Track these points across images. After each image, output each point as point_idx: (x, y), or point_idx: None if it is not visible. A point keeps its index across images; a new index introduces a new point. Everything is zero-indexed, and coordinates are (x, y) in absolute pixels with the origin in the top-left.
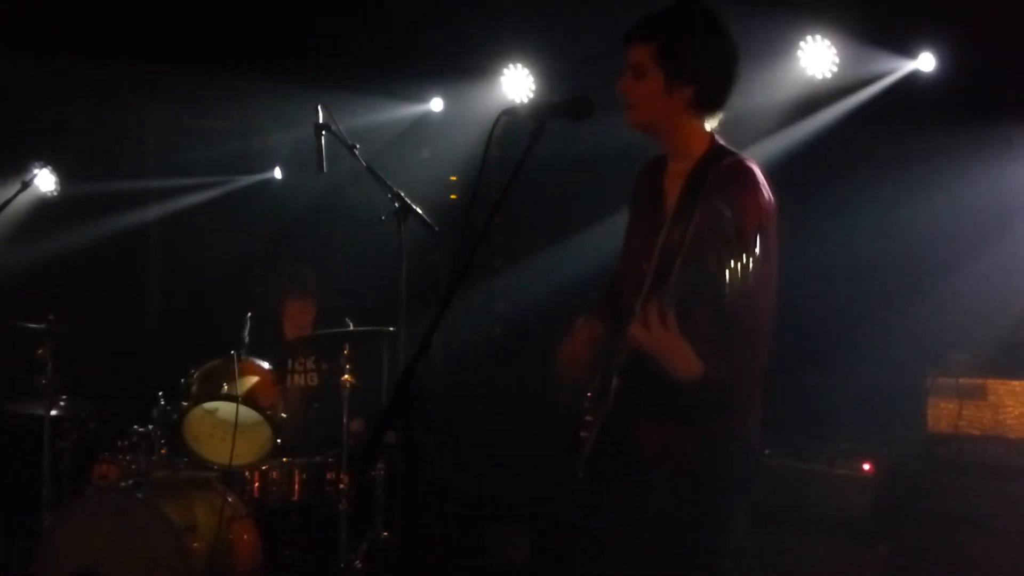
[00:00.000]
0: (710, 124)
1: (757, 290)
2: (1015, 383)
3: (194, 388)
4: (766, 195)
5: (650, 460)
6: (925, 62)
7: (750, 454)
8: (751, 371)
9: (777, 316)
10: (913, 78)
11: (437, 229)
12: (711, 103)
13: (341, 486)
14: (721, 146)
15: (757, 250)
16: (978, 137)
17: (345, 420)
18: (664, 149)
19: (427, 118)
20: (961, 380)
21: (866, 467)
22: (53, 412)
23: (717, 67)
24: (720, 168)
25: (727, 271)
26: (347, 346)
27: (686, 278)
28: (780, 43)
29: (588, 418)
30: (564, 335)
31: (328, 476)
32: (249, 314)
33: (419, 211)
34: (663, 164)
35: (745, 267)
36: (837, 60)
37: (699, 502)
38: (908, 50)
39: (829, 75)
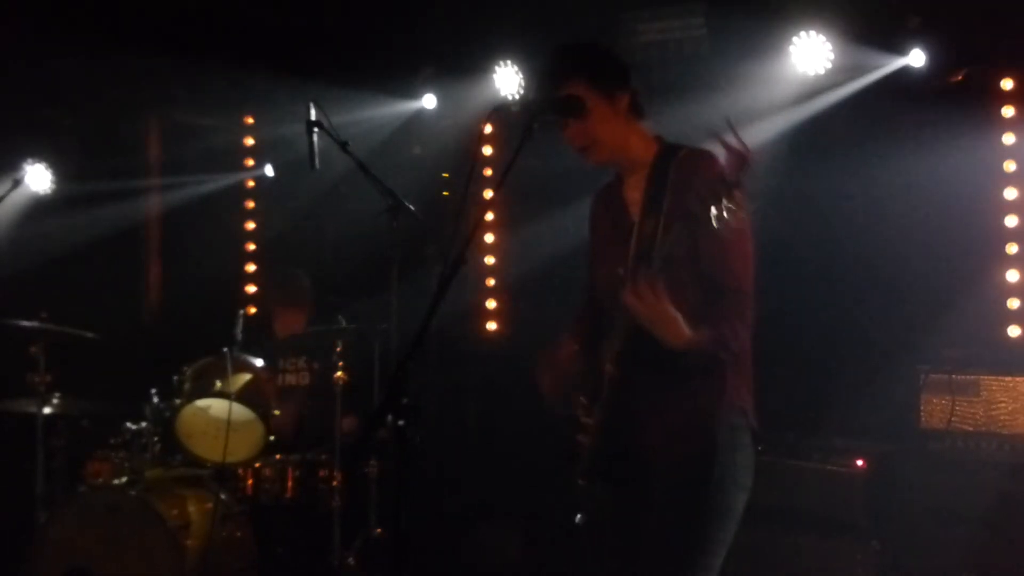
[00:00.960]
0: (648, 129)
1: (734, 254)
2: (1008, 379)
3: (187, 385)
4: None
5: (650, 453)
6: (915, 58)
7: (747, 434)
8: (739, 333)
9: (760, 299)
10: (903, 73)
11: (429, 226)
12: (640, 105)
13: (334, 483)
14: (672, 143)
15: (740, 193)
16: (970, 133)
17: (337, 418)
18: (621, 169)
19: (420, 115)
20: (954, 376)
21: (859, 463)
22: (46, 410)
23: (628, 70)
24: (679, 158)
25: (713, 211)
26: (339, 344)
27: (671, 237)
28: (773, 40)
29: (585, 421)
30: (542, 355)
31: (321, 473)
32: (242, 311)
33: (411, 208)
34: (618, 183)
35: (732, 205)
36: (832, 56)
37: (700, 493)
38: (898, 47)
39: (823, 71)
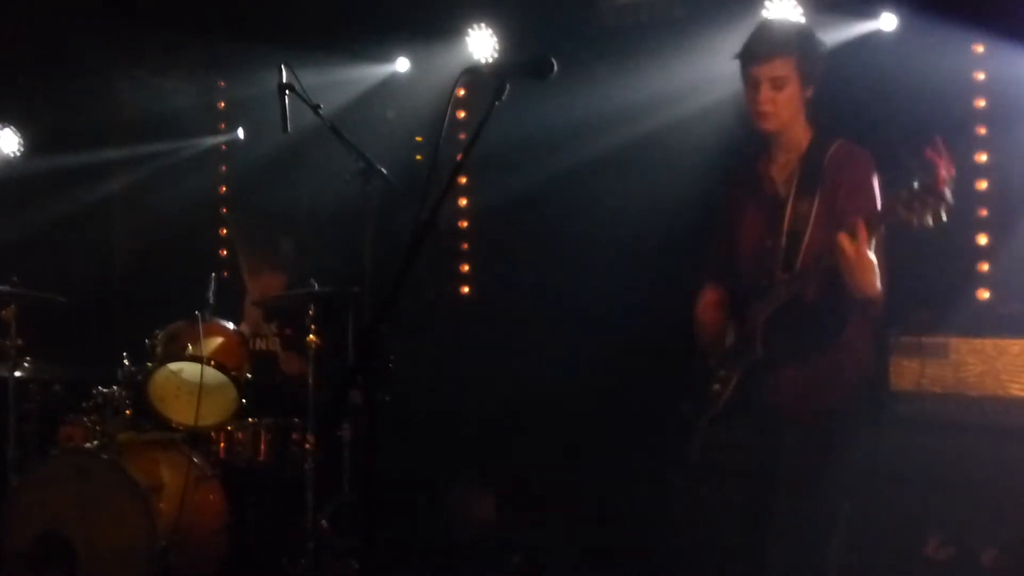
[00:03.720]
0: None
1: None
2: (977, 341)
3: (159, 349)
4: None
5: (786, 407)
6: (887, 22)
7: (874, 396)
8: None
9: None
10: (874, 38)
11: (401, 190)
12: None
13: (307, 447)
14: (825, 134)
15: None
16: (940, 99)
17: (310, 381)
18: (775, 144)
19: (392, 79)
20: (923, 338)
21: None
22: (17, 374)
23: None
24: (836, 148)
25: (923, 214)
26: (312, 307)
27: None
28: (745, 3)
29: (721, 373)
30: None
31: (294, 437)
32: (214, 275)
33: (384, 172)
34: (766, 157)
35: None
36: (804, 20)
37: (830, 450)
38: (869, 10)
39: None
